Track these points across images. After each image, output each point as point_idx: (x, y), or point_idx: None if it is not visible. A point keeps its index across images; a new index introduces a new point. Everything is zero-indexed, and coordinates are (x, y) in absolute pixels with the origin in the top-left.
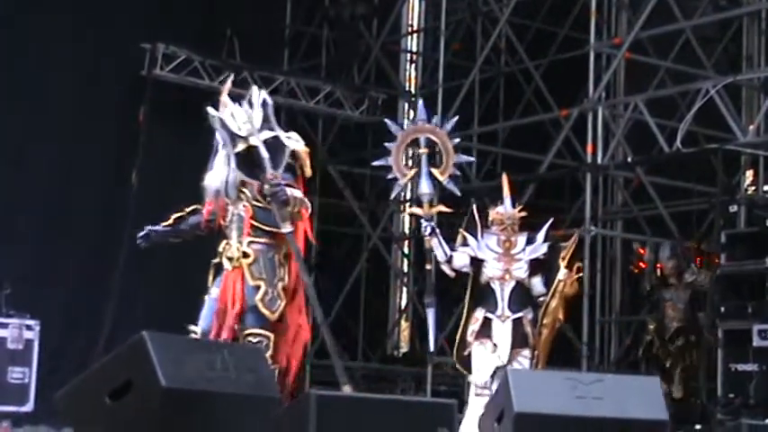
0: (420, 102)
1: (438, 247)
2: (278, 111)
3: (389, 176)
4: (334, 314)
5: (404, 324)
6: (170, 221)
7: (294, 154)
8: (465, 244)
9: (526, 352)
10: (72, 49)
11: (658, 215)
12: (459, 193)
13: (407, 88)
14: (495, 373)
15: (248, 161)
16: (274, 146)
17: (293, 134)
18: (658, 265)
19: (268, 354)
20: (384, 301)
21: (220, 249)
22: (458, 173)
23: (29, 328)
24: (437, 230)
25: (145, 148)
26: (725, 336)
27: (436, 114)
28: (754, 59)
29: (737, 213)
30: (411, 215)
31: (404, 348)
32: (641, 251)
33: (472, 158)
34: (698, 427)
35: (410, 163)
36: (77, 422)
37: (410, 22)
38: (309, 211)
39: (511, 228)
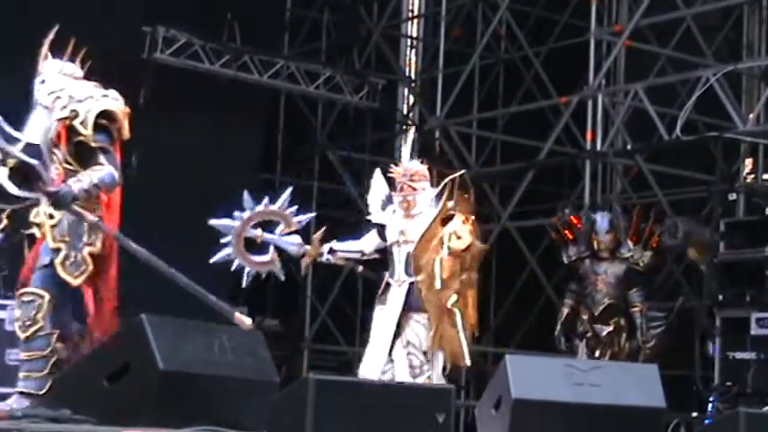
0: (245, 193)
1: (348, 253)
2: (278, 95)
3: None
4: (332, 300)
5: None
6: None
7: (109, 115)
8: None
9: (418, 316)
10: (71, 31)
11: (657, 203)
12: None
13: (407, 74)
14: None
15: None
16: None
17: (111, 92)
18: (594, 238)
19: (39, 314)
20: None
21: (31, 218)
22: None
23: None
24: (334, 249)
25: (145, 131)
26: (723, 324)
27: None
28: (754, 48)
29: (736, 201)
30: (363, 276)
31: None
32: (574, 220)
33: (312, 214)
34: (695, 414)
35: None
36: (75, 404)
37: (411, 8)
38: (117, 184)
39: (408, 186)
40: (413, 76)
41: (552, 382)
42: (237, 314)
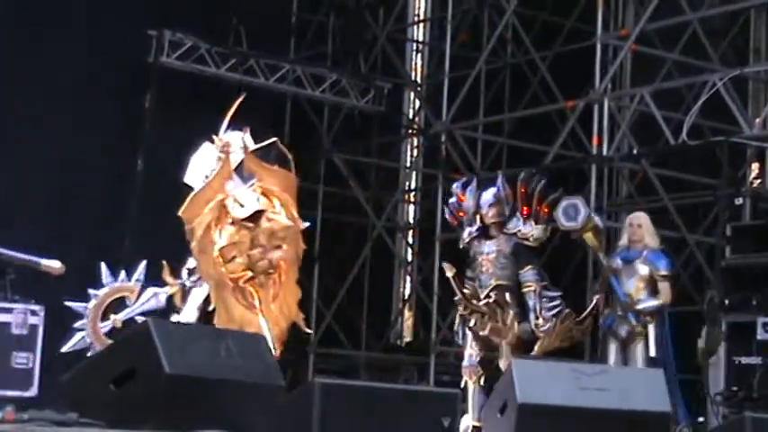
0: (102, 266)
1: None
2: (284, 99)
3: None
4: (338, 303)
5: (407, 313)
6: None
7: None
8: None
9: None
10: (78, 35)
11: (663, 207)
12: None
13: (413, 78)
14: None
15: None
16: None
17: None
18: (480, 214)
19: None
20: (388, 290)
21: None
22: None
23: (33, 313)
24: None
25: (150, 135)
26: (729, 328)
27: None
28: (761, 52)
29: (743, 206)
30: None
31: (407, 338)
32: (462, 198)
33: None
34: (701, 419)
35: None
36: (82, 408)
37: (416, 12)
38: None
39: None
40: (419, 80)
41: (558, 386)
42: (44, 262)
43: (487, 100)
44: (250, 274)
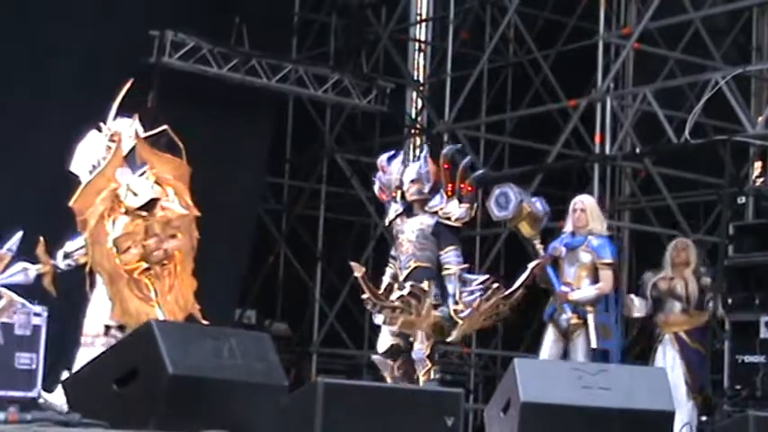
0: None
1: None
2: (286, 99)
3: None
4: (341, 304)
5: None
6: None
7: None
8: None
9: None
10: (79, 35)
11: (666, 206)
12: None
13: (416, 77)
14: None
15: None
16: None
17: None
18: (402, 190)
19: None
20: None
21: None
22: None
23: (36, 314)
24: (69, 252)
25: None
26: (732, 327)
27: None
28: (763, 50)
29: (745, 205)
30: None
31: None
32: (384, 170)
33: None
34: (704, 418)
35: None
36: (85, 408)
37: (419, 11)
38: None
39: None
40: (421, 79)
41: (561, 385)
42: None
43: (490, 99)
44: (145, 265)
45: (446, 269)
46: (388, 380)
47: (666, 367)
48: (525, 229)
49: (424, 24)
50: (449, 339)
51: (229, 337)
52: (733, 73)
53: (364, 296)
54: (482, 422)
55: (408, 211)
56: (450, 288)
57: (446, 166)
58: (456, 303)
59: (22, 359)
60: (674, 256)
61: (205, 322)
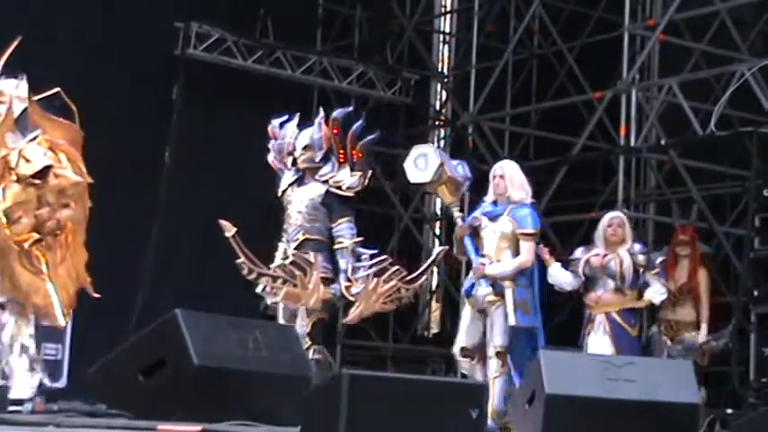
0: None
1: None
2: (310, 90)
3: None
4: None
5: (434, 305)
6: None
7: None
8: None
9: None
10: (105, 27)
11: (691, 198)
12: None
13: (440, 69)
14: None
15: None
16: None
17: None
18: (295, 157)
19: None
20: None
21: None
22: None
23: None
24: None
25: (178, 127)
26: (758, 320)
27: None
28: None
29: None
30: None
31: (434, 329)
32: (275, 135)
33: None
34: (729, 411)
35: None
36: (110, 398)
37: (443, 3)
38: None
39: None
40: (446, 71)
41: (586, 377)
42: None
43: (514, 91)
44: (36, 236)
45: (338, 243)
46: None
47: (598, 350)
48: (444, 194)
49: (448, 16)
50: (344, 321)
51: (254, 328)
52: (760, 64)
53: (238, 260)
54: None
55: (301, 180)
56: (343, 263)
57: (336, 132)
58: (348, 280)
59: (49, 350)
60: (609, 234)
61: (97, 295)
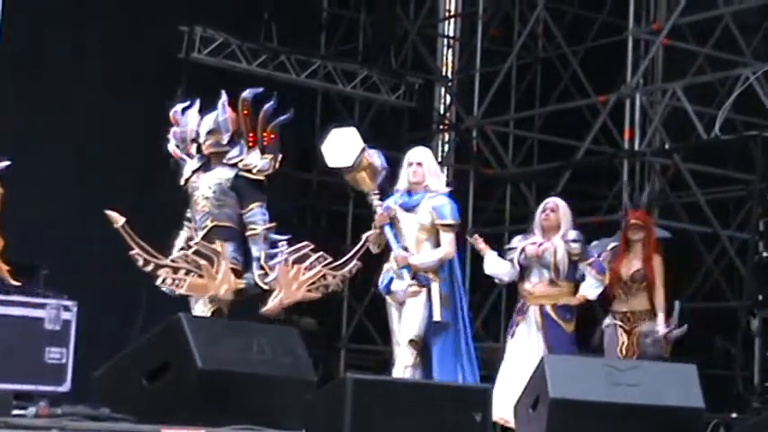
0: None
1: None
2: (314, 94)
3: None
4: (369, 299)
5: None
6: None
7: None
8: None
9: None
10: (109, 31)
11: (696, 202)
12: None
13: (444, 73)
14: None
15: None
16: None
17: None
18: (199, 142)
19: None
20: None
21: None
22: None
23: (66, 308)
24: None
25: None
26: (762, 324)
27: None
28: None
29: None
30: None
31: None
32: (176, 122)
33: None
34: (734, 415)
35: None
36: (114, 402)
37: (447, 7)
38: None
39: None
40: (450, 75)
41: (590, 381)
42: None
43: (518, 95)
44: None
45: (250, 229)
46: None
47: (527, 344)
48: (364, 181)
49: (452, 20)
50: (262, 310)
51: (258, 331)
52: (764, 68)
53: (132, 252)
54: None
55: (206, 166)
56: (255, 251)
57: (245, 113)
58: (261, 268)
59: (53, 354)
60: (542, 219)
61: (16, 283)
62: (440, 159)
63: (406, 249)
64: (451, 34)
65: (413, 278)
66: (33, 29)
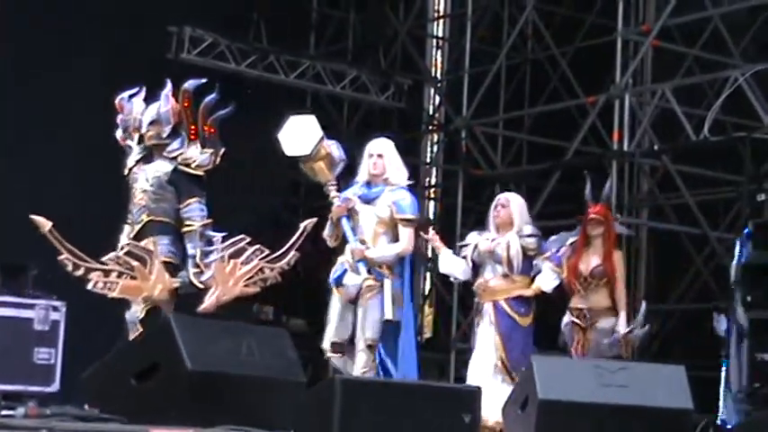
0: None
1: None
2: (304, 95)
3: None
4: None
5: (427, 309)
6: None
7: None
8: None
9: None
10: (98, 31)
11: (684, 203)
12: None
13: (433, 74)
14: None
15: None
16: None
17: None
18: (141, 133)
19: None
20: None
21: None
22: None
23: (55, 309)
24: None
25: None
26: (751, 325)
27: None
28: None
29: (765, 202)
30: None
31: (427, 334)
32: (122, 108)
33: None
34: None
35: None
36: (103, 403)
37: (437, 8)
38: None
39: None
40: (439, 76)
41: (579, 382)
42: None
43: (507, 96)
44: None
45: (187, 225)
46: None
47: (483, 341)
48: (322, 171)
49: (441, 21)
50: (199, 309)
51: (248, 333)
52: (752, 70)
53: (60, 257)
54: None
55: (148, 157)
56: (190, 248)
57: (186, 105)
58: (197, 266)
59: (41, 354)
60: (494, 215)
61: None
62: (429, 160)
63: (362, 242)
64: (441, 35)
65: (368, 272)
66: (21, 28)
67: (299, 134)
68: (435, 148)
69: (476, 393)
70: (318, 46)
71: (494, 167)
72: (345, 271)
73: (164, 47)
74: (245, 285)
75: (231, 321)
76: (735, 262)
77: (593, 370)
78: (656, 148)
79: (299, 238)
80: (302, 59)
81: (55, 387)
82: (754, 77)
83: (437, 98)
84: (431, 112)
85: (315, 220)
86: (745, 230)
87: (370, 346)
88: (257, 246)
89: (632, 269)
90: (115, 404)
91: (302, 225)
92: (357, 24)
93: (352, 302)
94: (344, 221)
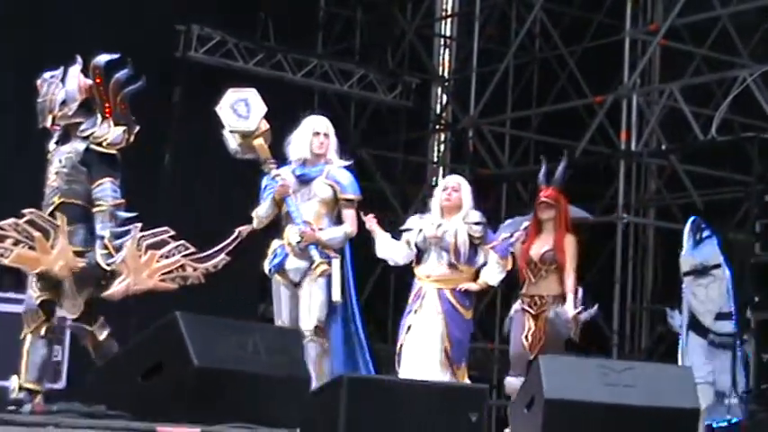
0: None
1: None
2: (311, 93)
3: None
4: (365, 298)
5: None
6: None
7: None
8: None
9: None
10: (106, 30)
11: (692, 203)
12: None
13: (441, 73)
14: None
15: None
16: None
17: None
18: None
19: None
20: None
21: None
22: None
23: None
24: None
25: (178, 129)
26: (758, 326)
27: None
28: None
29: None
30: None
31: None
32: (41, 90)
33: None
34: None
35: None
36: (110, 400)
37: (444, 7)
38: None
39: None
40: (446, 75)
41: (585, 382)
42: None
43: (515, 95)
44: None
45: (97, 206)
46: (29, 338)
47: (426, 331)
48: (261, 147)
49: (449, 20)
50: (105, 294)
51: (254, 331)
52: (761, 70)
53: None
54: (506, 417)
55: (64, 139)
56: (99, 228)
57: (98, 81)
58: (105, 248)
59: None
60: (443, 199)
61: None
62: (436, 159)
63: (308, 224)
64: (448, 34)
65: (319, 255)
66: (28, 27)
67: (242, 108)
68: (442, 148)
69: (483, 392)
70: (326, 45)
71: (501, 167)
72: (287, 255)
73: (172, 45)
74: (161, 280)
75: (237, 319)
76: (683, 253)
77: (599, 370)
78: (663, 147)
79: (231, 243)
80: (310, 58)
81: (61, 384)
82: (763, 77)
83: (444, 97)
84: (438, 112)
85: (251, 227)
86: (691, 219)
87: (318, 328)
88: (181, 242)
89: (638, 269)
90: (122, 401)
91: (237, 230)
92: (365, 23)
93: (297, 286)
94: (291, 201)
